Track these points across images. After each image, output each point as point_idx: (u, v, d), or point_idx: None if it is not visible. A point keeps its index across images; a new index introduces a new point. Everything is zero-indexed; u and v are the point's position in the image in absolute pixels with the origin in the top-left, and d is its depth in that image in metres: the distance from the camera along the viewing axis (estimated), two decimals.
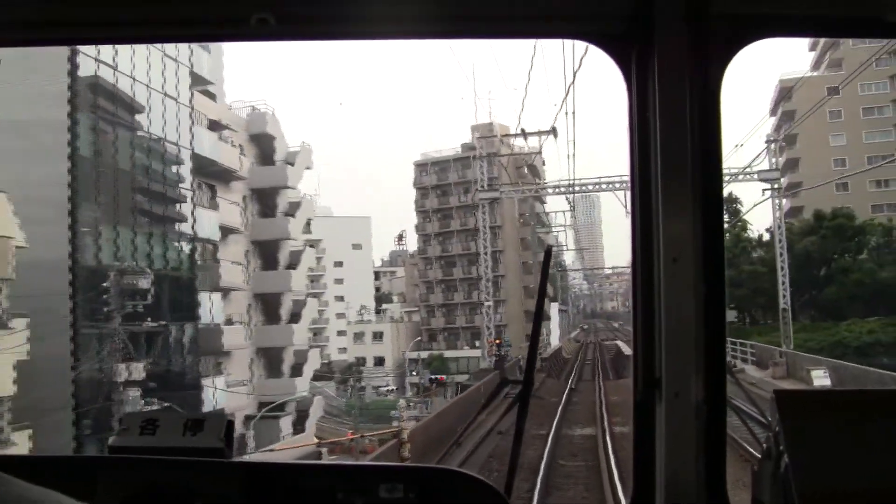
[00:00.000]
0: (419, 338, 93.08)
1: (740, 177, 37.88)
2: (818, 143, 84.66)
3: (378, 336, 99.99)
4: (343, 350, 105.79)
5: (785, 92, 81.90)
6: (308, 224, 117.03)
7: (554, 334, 56.87)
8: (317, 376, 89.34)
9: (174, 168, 38.54)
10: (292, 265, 50.50)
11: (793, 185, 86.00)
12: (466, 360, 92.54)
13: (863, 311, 66.96)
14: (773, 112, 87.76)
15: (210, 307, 40.05)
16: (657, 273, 2.07)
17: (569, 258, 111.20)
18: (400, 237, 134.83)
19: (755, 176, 38.31)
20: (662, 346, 2.05)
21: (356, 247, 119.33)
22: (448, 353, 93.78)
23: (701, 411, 2.03)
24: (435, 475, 2.06)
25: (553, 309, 60.03)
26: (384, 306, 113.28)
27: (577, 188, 39.93)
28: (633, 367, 2.19)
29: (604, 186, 38.98)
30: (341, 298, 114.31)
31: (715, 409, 2.04)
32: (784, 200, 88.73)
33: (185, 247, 39.01)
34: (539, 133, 40.57)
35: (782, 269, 39.83)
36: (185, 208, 39.14)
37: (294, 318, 50.19)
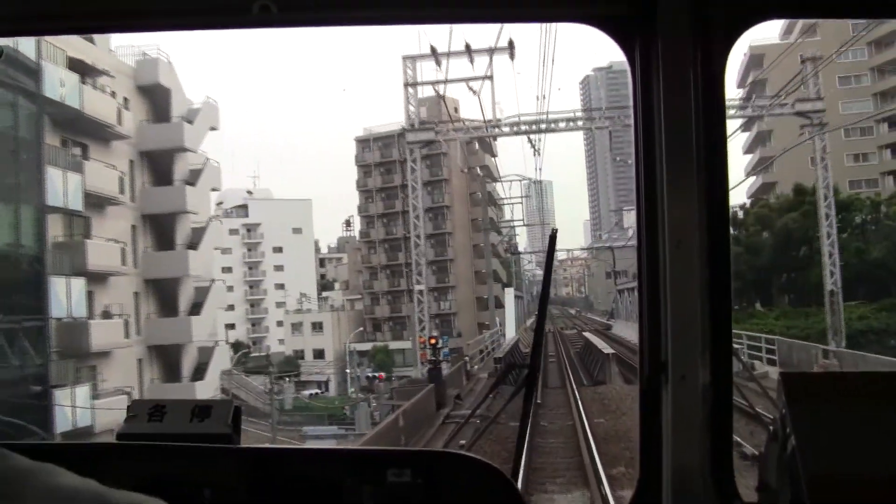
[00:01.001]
0: (361, 328, 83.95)
1: (775, 110, 29.19)
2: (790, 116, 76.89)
3: (318, 326, 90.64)
4: (282, 342, 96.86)
5: (755, 60, 74.99)
6: (232, 207, 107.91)
7: (509, 324, 48.04)
8: (248, 370, 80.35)
9: (7, 114, 28.60)
10: (193, 244, 40.75)
11: (764, 160, 79.89)
12: (414, 351, 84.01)
13: (846, 294, 60.85)
14: (741, 83, 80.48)
15: (68, 296, 30.31)
16: (662, 257, 2.06)
17: (521, 244, 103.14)
18: (348, 223, 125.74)
19: (793, 107, 29.77)
20: (668, 330, 2.04)
21: (297, 231, 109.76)
22: (393, 345, 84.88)
23: (707, 394, 2.03)
24: (443, 459, 2.06)
25: (508, 295, 51.32)
26: (326, 294, 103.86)
27: (544, 125, 30.90)
28: (639, 350, 2.18)
29: (579, 123, 30.33)
30: (281, 286, 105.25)
31: (721, 392, 2.04)
32: (754, 177, 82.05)
33: (27, 219, 29.14)
34: (490, 50, 31.02)
35: (829, 235, 30.87)
36: (28, 169, 29.38)
37: (195, 308, 40.51)
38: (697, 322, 2.01)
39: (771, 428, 1.83)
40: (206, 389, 39.44)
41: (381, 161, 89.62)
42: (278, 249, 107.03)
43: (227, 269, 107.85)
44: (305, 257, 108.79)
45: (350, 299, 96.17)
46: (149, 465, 1.91)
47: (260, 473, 1.95)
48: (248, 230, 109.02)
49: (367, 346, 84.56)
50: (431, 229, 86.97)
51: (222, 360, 42.71)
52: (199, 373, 40.21)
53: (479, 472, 1.95)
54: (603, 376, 28.72)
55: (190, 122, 40.47)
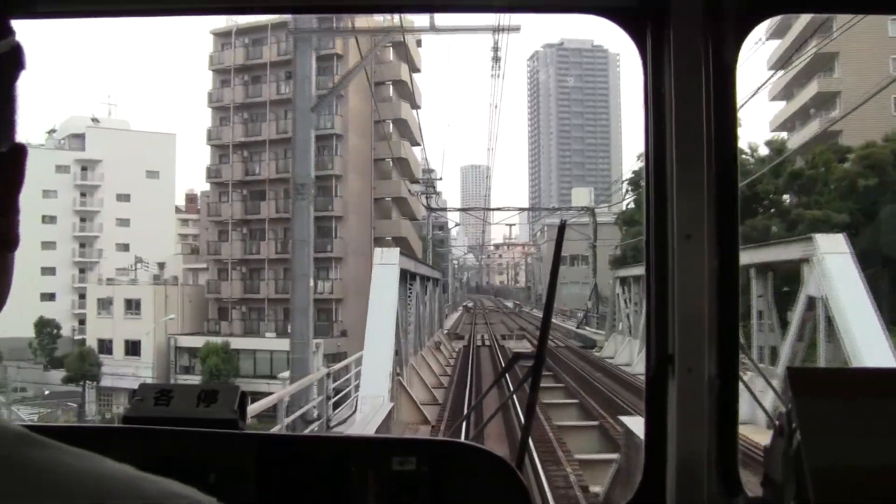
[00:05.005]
0: (173, 315, 50.40)
1: None
2: (867, 31, 47.29)
3: (134, 306, 56.73)
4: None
5: None
6: None
7: (374, 343, 15.25)
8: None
9: None
10: None
11: (825, 96, 49.62)
12: (270, 355, 51.16)
13: None
14: None
15: None
16: (671, 249, 2.02)
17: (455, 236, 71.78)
18: None
19: None
20: (675, 323, 2.01)
21: (152, 175, 75.40)
22: (241, 342, 52.16)
23: (713, 387, 2.00)
24: (448, 448, 1.98)
25: (381, 269, 18.24)
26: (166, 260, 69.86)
27: None
28: (645, 342, 2.14)
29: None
30: (125, 247, 71.60)
31: (727, 385, 2.01)
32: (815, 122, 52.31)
33: None
34: None
35: None
36: None
37: None
38: (705, 315, 1.97)
39: (777, 422, 1.76)
40: None
41: (244, 64, 56.31)
42: (124, 197, 73.86)
43: (50, 219, 73.92)
44: (162, 209, 75.22)
45: (192, 268, 62.38)
46: (154, 448, 1.80)
47: (265, 459, 1.87)
48: (83, 169, 74.73)
49: (199, 342, 51.65)
50: (314, 169, 53.73)
51: None
52: None
53: (485, 462, 1.87)
54: None
55: None
